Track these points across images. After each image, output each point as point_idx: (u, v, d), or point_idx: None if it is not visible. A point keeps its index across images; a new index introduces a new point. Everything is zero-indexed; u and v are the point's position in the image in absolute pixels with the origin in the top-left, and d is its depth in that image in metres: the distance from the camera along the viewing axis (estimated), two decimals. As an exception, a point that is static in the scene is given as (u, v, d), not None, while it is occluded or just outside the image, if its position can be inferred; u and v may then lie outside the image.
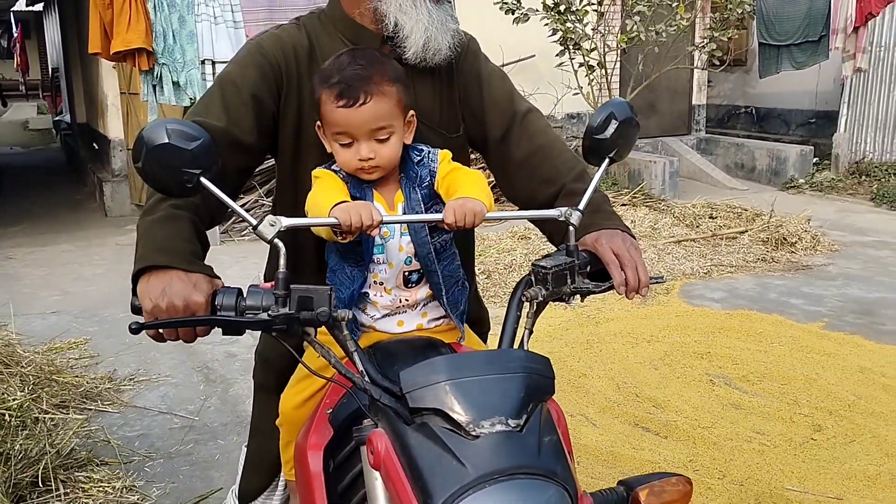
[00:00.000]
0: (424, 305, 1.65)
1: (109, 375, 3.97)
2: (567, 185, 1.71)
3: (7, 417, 3.04)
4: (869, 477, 2.99)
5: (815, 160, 9.81)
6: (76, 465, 3.04)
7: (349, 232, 1.35)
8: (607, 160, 1.54)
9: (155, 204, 1.47)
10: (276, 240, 1.28)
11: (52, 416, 3.34)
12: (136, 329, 1.25)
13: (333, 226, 1.35)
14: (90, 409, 3.56)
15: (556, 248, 1.56)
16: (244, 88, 1.62)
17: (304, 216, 1.49)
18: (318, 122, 1.58)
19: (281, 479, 1.99)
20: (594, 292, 1.49)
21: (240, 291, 1.31)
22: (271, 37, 1.70)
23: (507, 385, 1.21)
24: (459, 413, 1.17)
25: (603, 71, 8.20)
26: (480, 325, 1.97)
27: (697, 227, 6.93)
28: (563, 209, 1.46)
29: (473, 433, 1.16)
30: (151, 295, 1.32)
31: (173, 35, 6.48)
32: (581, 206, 1.47)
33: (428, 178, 1.60)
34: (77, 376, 3.86)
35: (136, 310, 1.34)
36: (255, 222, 1.28)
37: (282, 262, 1.27)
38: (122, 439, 3.33)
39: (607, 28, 8.26)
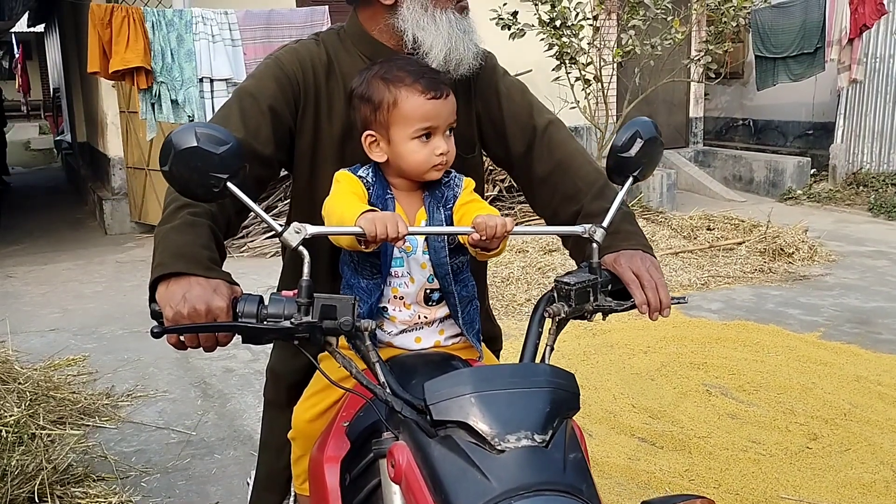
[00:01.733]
0: (441, 323, 1.64)
1: (107, 391, 3.98)
2: (586, 204, 1.70)
3: (4, 434, 3.05)
4: (864, 485, 2.99)
5: (812, 171, 9.84)
6: (73, 480, 3.04)
7: (374, 242, 1.34)
8: (631, 179, 1.53)
9: (173, 212, 1.46)
10: (301, 247, 1.27)
11: (49, 432, 3.34)
12: (158, 333, 1.24)
13: (358, 235, 1.33)
14: (87, 425, 3.57)
15: (577, 266, 1.56)
16: (262, 101, 1.62)
17: (322, 224, 1.49)
18: (370, 132, 1.55)
19: (291, 498, 1.97)
20: (616, 310, 1.47)
21: (261, 299, 1.30)
22: (289, 51, 1.71)
23: (534, 399, 1.19)
24: (484, 426, 1.15)
25: (599, 85, 8.25)
26: (493, 343, 1.97)
27: (695, 238, 6.95)
28: (587, 226, 1.46)
29: (498, 447, 1.14)
30: (172, 301, 1.30)
31: (171, 54, 6.54)
32: (605, 224, 1.47)
33: (452, 201, 1.60)
34: (74, 392, 3.87)
35: (156, 315, 1.33)
36: (280, 229, 1.28)
37: (305, 270, 1.27)
38: (119, 455, 3.33)
39: (603, 42, 8.32)
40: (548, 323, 1.47)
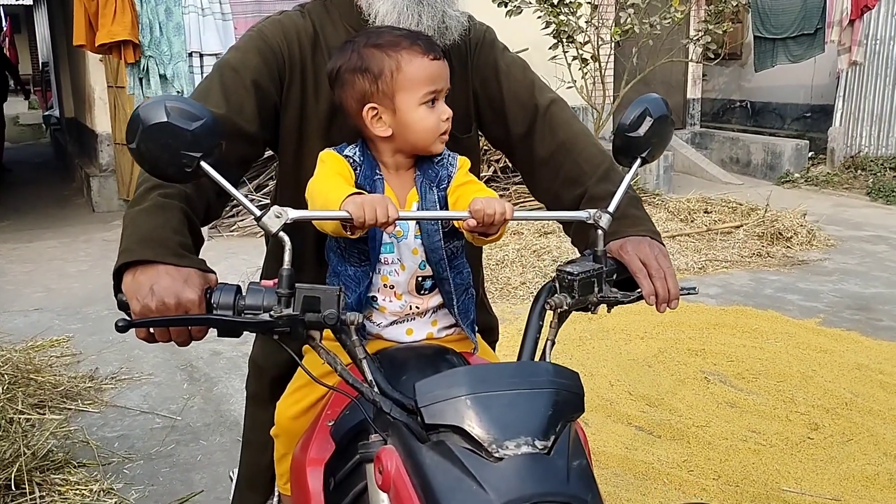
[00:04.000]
0: (434, 313, 1.54)
1: (90, 374, 3.88)
2: (591, 187, 1.60)
3: (-20, 418, 2.95)
4: (867, 477, 2.91)
5: (810, 154, 9.75)
6: (53, 467, 2.94)
7: (361, 228, 1.24)
8: (639, 160, 1.43)
9: (143, 194, 1.36)
10: (282, 233, 1.17)
11: (29, 416, 3.24)
12: (123, 327, 1.13)
13: (344, 220, 1.23)
14: (69, 409, 3.47)
15: (580, 253, 1.46)
16: (245, 74, 1.51)
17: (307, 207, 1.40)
18: (371, 105, 1.43)
19: (275, 497, 1.87)
20: (622, 302, 1.38)
21: (238, 289, 1.20)
22: (273, 23, 1.60)
23: (535, 402, 1.10)
24: (481, 431, 1.06)
25: (597, 64, 8.11)
26: (489, 334, 1.88)
27: (692, 221, 6.86)
28: (592, 211, 1.36)
29: (496, 454, 1.05)
30: (139, 294, 1.20)
31: (160, 27, 6.37)
32: (611, 209, 1.37)
33: (447, 181, 1.49)
34: (56, 375, 3.77)
35: (123, 306, 1.22)
36: (258, 213, 1.17)
37: (286, 257, 1.16)
38: (101, 440, 3.24)
39: (601, 21, 8.18)
40: (549, 315, 1.36)
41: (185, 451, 3.18)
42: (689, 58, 9.52)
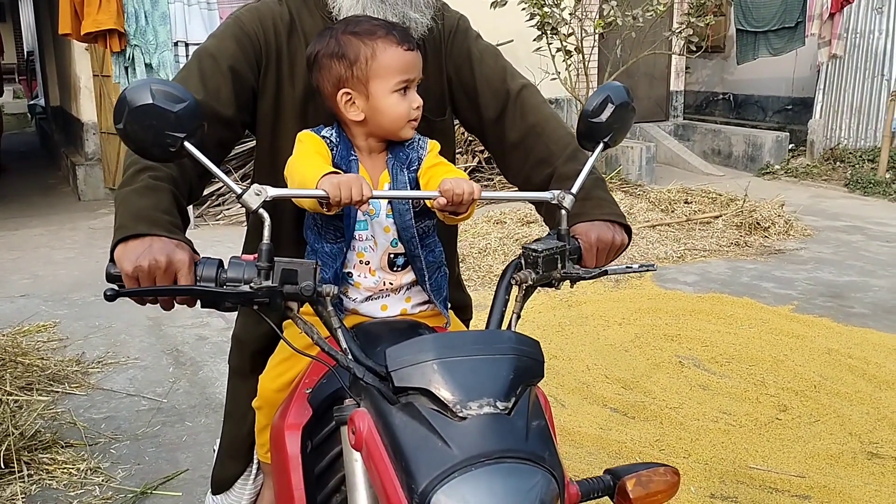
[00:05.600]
0: (408, 290, 1.61)
1: (77, 358, 3.93)
2: (559, 166, 1.67)
3: (-31, 399, 3.00)
4: (832, 456, 3.02)
5: (790, 146, 9.87)
6: (40, 446, 3.01)
7: (336, 205, 1.30)
8: (602, 145, 1.50)
9: (133, 175, 1.41)
10: (262, 210, 1.23)
11: (17, 397, 3.30)
12: (111, 296, 1.18)
13: (321, 198, 1.30)
14: (56, 392, 3.53)
15: (547, 232, 1.53)
16: (222, 61, 1.58)
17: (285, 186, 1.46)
18: (345, 90, 1.50)
19: (254, 464, 1.96)
20: (584, 278, 1.45)
21: (220, 263, 1.26)
22: (250, 10, 1.66)
23: (497, 366, 1.18)
24: (447, 393, 1.13)
25: (580, 56, 8.20)
26: (464, 312, 1.94)
27: (672, 211, 6.96)
28: (556, 192, 1.42)
29: (460, 414, 1.12)
30: (131, 255, 1.26)
31: (145, 16, 6.40)
32: (574, 190, 1.43)
33: (416, 163, 1.56)
34: (43, 359, 3.83)
35: (112, 278, 1.28)
36: (239, 191, 1.24)
37: (266, 233, 1.22)
38: (87, 421, 3.30)
39: (585, 13, 8.25)
40: (515, 290, 1.44)
41: (171, 431, 3.25)
42: (672, 50, 9.61)
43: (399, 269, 1.58)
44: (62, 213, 7.54)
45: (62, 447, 3.05)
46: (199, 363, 3.94)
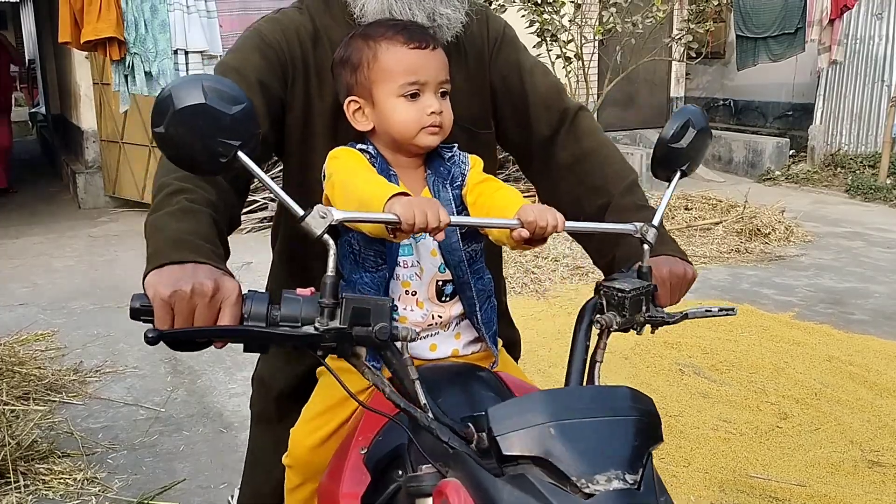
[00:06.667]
0: (457, 325, 1.44)
1: (75, 367, 3.93)
2: (616, 197, 1.55)
3: (-35, 409, 3.00)
4: (832, 464, 3.00)
5: (791, 152, 9.87)
6: (37, 457, 3.00)
7: (408, 232, 1.12)
8: (679, 173, 1.37)
9: (167, 197, 1.23)
10: (326, 236, 1.05)
11: (13, 407, 3.29)
12: (154, 338, 0.99)
13: (391, 223, 1.11)
14: (54, 401, 3.52)
15: (603, 265, 1.40)
16: (249, 74, 1.43)
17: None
18: (352, 98, 1.39)
19: None
20: (668, 322, 1.30)
21: (270, 298, 1.07)
22: (270, 21, 1.52)
23: (620, 430, 1.00)
24: (568, 464, 0.95)
25: (580, 62, 8.19)
26: (512, 350, 1.74)
27: (672, 218, 6.94)
28: (639, 224, 1.28)
29: (586, 490, 0.94)
30: (169, 279, 1.06)
31: (145, 24, 6.40)
32: (656, 222, 1.29)
33: (460, 179, 1.41)
34: (40, 368, 3.82)
35: (139, 312, 1.06)
36: (301, 212, 1.06)
37: (331, 263, 1.05)
38: (85, 431, 3.29)
39: (584, 20, 8.25)
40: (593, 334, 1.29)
41: (168, 441, 3.24)
42: (672, 56, 9.61)
43: (447, 298, 1.41)
44: (62, 220, 7.54)
45: (59, 457, 3.04)
46: (197, 372, 3.93)
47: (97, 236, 6.88)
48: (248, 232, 6.79)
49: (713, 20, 8.93)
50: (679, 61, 10.12)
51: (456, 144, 1.45)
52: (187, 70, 6.50)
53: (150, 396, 3.65)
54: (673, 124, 1.36)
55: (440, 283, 1.38)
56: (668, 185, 1.37)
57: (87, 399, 3.61)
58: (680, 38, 8.72)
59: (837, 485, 2.87)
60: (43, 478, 2.88)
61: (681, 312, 1.33)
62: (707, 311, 1.36)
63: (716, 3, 8.48)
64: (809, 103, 10.02)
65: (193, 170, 1.09)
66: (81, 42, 6.26)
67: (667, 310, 1.33)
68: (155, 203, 1.24)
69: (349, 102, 1.41)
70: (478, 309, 1.42)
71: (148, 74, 6.45)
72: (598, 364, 1.30)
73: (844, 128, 9.60)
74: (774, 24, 9.08)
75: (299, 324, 1.04)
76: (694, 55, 8.81)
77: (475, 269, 1.43)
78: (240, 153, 1.05)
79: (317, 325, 1.03)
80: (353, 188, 1.25)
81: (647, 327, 1.31)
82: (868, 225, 7.17)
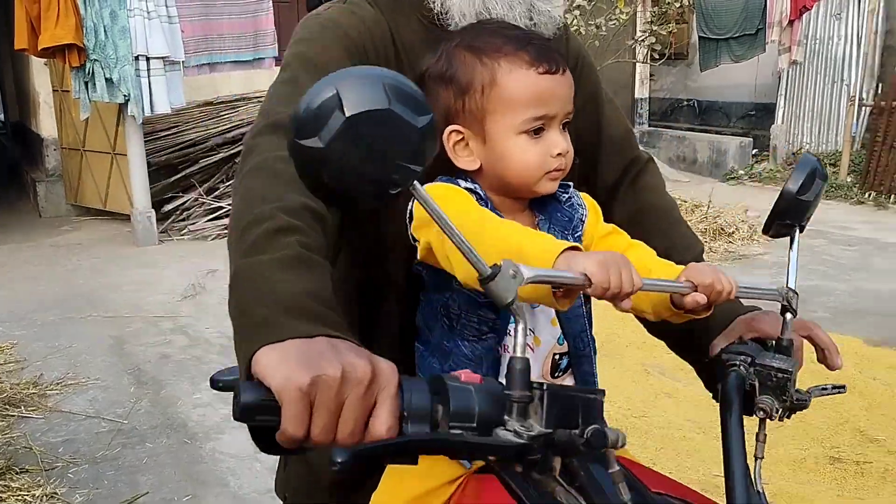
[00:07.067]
0: None
1: (34, 380, 3.85)
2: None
3: (-81, 426, 2.93)
4: (795, 461, 3.04)
5: (754, 152, 10.01)
6: (-6, 473, 2.94)
7: (597, 297, 0.87)
8: (798, 229, 1.15)
9: (271, 236, 0.88)
10: (518, 303, 0.78)
11: (-30, 423, 3.23)
12: (343, 464, 0.70)
13: (577, 286, 0.85)
14: (12, 416, 3.45)
15: (737, 340, 1.17)
16: (332, 70, 1.03)
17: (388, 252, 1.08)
18: (455, 128, 1.10)
19: None
20: (805, 407, 1.10)
21: (429, 388, 0.77)
22: (344, 13, 1.20)
23: None
24: None
25: (545, 65, 8.24)
26: None
27: (638, 218, 7.00)
28: (782, 289, 1.07)
29: None
30: (301, 358, 0.73)
31: (105, 30, 6.32)
32: (792, 285, 1.09)
33: (580, 227, 1.15)
34: (-2, 382, 3.75)
35: (257, 410, 0.72)
36: (488, 270, 0.78)
37: (519, 339, 0.77)
38: (44, 445, 3.23)
39: (548, 22, 8.30)
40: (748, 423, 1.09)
41: (131, 453, 3.19)
42: (636, 58, 9.70)
43: (561, 373, 1.14)
44: (22, 230, 7.40)
45: (17, 473, 2.98)
46: (161, 382, 3.88)
47: (59, 245, 6.77)
48: (214, 239, 6.72)
49: (675, 22, 9.04)
50: (643, 63, 10.22)
51: (571, 183, 1.18)
52: (149, 76, 6.42)
53: (112, 408, 3.60)
54: (800, 175, 1.14)
55: (557, 356, 1.13)
56: (792, 245, 1.16)
57: (48, 412, 3.55)
58: (643, 40, 8.82)
59: (798, 482, 2.90)
60: (0, 496, 2.83)
61: (808, 393, 1.12)
62: (822, 389, 1.18)
63: (678, 5, 8.58)
64: (771, 103, 10.17)
65: (349, 204, 0.76)
66: (39, 49, 6.17)
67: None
68: (251, 240, 0.88)
69: (450, 133, 1.11)
70: (596, 383, 1.19)
71: (109, 81, 6.36)
72: (758, 461, 1.09)
73: (805, 127, 9.76)
74: (736, 26, 9.21)
75: (474, 423, 0.75)
76: (657, 56, 8.91)
77: (589, 337, 1.19)
78: (416, 184, 0.76)
79: (516, 428, 0.76)
80: (497, 239, 0.94)
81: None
82: (829, 223, 7.28)
